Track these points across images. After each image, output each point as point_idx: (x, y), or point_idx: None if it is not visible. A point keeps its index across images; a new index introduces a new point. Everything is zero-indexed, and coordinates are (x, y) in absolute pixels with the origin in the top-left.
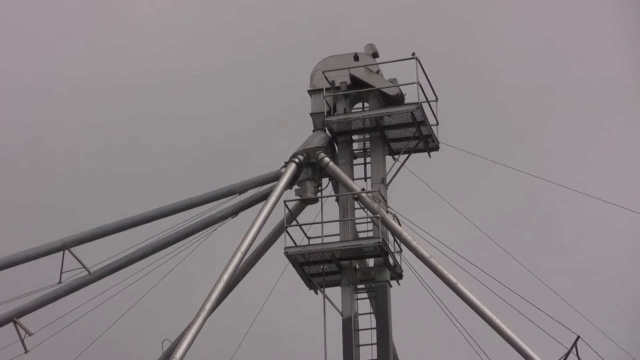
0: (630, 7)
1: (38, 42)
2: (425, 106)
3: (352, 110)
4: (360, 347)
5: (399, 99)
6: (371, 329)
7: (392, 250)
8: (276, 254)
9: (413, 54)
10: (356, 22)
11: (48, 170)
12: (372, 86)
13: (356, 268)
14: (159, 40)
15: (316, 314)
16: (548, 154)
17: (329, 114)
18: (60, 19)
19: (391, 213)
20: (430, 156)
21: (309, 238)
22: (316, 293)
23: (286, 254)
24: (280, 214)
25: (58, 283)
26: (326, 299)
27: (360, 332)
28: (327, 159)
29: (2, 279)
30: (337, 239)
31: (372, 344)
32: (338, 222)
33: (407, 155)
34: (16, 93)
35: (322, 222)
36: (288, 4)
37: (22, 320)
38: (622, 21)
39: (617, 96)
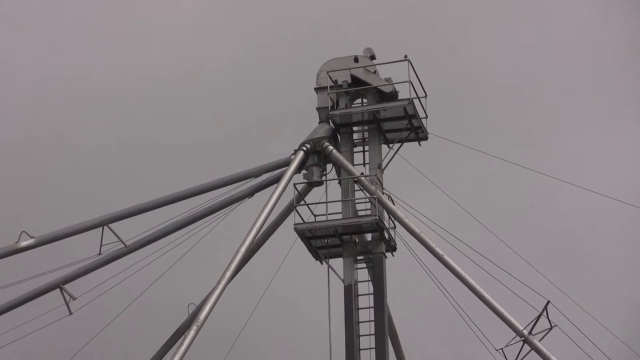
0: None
1: (72, 37)
2: (415, 102)
3: (353, 105)
4: (360, 310)
5: (393, 96)
6: (369, 294)
7: (387, 226)
8: (287, 230)
9: (405, 56)
10: (355, 28)
11: (86, 155)
12: (370, 84)
13: (356, 242)
14: (180, 38)
15: (321, 282)
16: (520, 144)
17: (332, 108)
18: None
19: (386, 194)
20: (420, 145)
21: (315, 216)
22: (321, 263)
23: (295, 229)
24: (290, 195)
25: (98, 254)
26: (330, 269)
27: (359, 297)
28: (330, 147)
29: (51, 251)
30: (340, 216)
31: (369, 307)
32: (340, 202)
33: (400, 144)
34: (52, 78)
35: (326, 202)
36: (294, 14)
37: (67, 286)
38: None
39: (580, 90)
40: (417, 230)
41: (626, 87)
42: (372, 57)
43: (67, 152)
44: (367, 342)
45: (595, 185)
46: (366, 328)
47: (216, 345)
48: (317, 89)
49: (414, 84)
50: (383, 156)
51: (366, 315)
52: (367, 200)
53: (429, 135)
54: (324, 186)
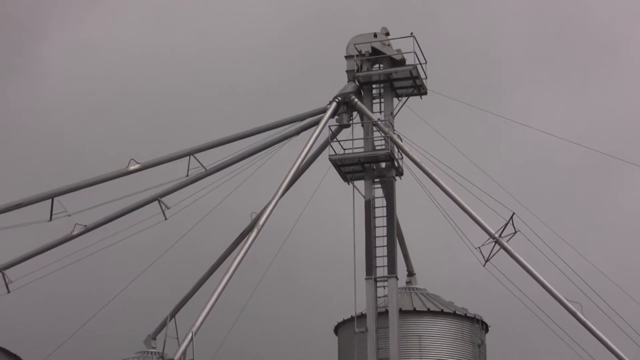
0: None
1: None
2: (418, 67)
3: (372, 69)
4: (376, 218)
5: (402, 62)
6: (382, 207)
7: (396, 157)
8: (323, 160)
9: (411, 33)
10: (371, 10)
11: (176, 100)
12: (385, 54)
13: (374, 168)
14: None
15: (347, 198)
16: (494, 97)
17: (357, 71)
18: None
19: (396, 134)
20: (421, 98)
21: (344, 149)
22: (348, 184)
23: (330, 159)
24: (326, 134)
25: (186, 176)
26: (354, 188)
27: (375, 209)
28: (356, 100)
29: (151, 173)
30: (362, 150)
31: (383, 217)
32: (362, 139)
33: (406, 97)
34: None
35: (352, 139)
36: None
37: (163, 199)
38: None
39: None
40: (418, 160)
41: (571, 51)
42: (387, 34)
43: (159, 103)
44: (381, 241)
45: (549, 128)
46: (380, 231)
47: (271, 244)
48: (346, 57)
49: (417, 53)
50: (394, 106)
51: (380, 222)
52: (382, 138)
53: (428, 92)
54: (350, 128)
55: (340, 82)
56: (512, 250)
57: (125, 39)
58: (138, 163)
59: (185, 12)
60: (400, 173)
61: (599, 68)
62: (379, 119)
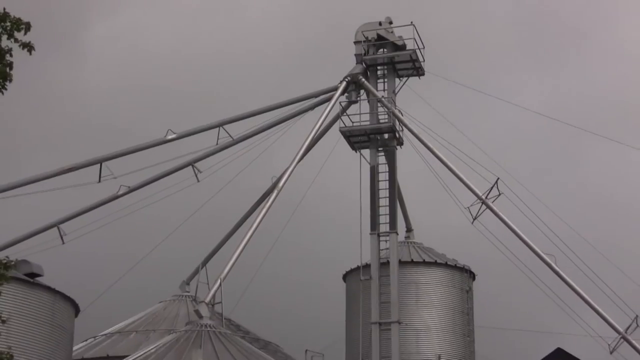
0: None
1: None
2: (417, 51)
3: (377, 53)
4: (379, 182)
5: (403, 47)
6: (385, 172)
7: (398, 129)
8: (333, 133)
9: (411, 22)
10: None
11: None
12: (388, 40)
13: (378, 139)
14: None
15: (355, 165)
16: (483, 79)
17: (364, 54)
18: None
19: (398, 109)
20: (419, 78)
21: (352, 122)
22: (355, 152)
23: (340, 130)
24: (336, 109)
25: (216, 144)
26: (361, 156)
27: (379, 174)
28: (363, 79)
29: (186, 142)
30: (368, 123)
31: (385, 180)
32: (369, 114)
33: (407, 77)
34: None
35: (360, 113)
36: None
37: (196, 164)
38: None
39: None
40: (416, 131)
41: (547, 38)
42: (390, 22)
43: (192, 82)
44: (384, 202)
45: (530, 104)
46: (383, 193)
47: (289, 205)
48: (355, 42)
49: (416, 40)
50: (396, 85)
51: (383, 185)
52: (385, 112)
53: (425, 73)
54: (358, 104)
55: (349, 65)
56: (497, 210)
57: (160, 24)
58: (174, 133)
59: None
60: (400, 143)
61: (572, 52)
62: (383, 96)
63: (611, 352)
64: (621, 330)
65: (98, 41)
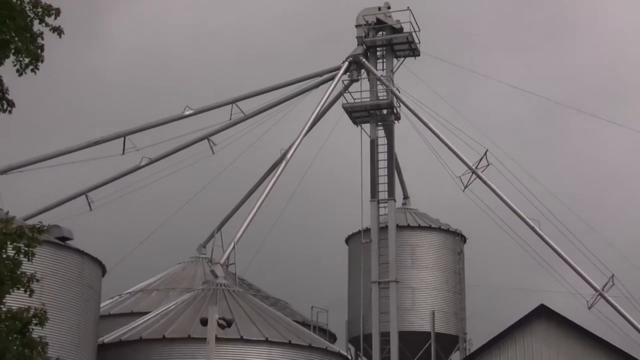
0: None
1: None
2: (413, 34)
3: (377, 36)
4: (379, 154)
5: (400, 30)
6: (384, 144)
7: (395, 105)
8: (337, 108)
9: (408, 7)
10: None
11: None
12: (387, 23)
13: (377, 114)
14: None
15: (356, 139)
16: (474, 59)
17: (365, 37)
18: None
19: (395, 87)
20: (415, 59)
21: (354, 99)
22: (357, 126)
23: (343, 106)
24: (339, 87)
25: (229, 120)
26: (362, 130)
27: (379, 146)
28: (364, 60)
29: (202, 117)
30: (368, 99)
31: (384, 152)
32: (369, 91)
33: (404, 58)
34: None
35: (360, 91)
36: None
37: (211, 138)
38: None
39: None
40: (412, 107)
41: (532, 21)
42: (389, 7)
43: (208, 64)
44: (382, 172)
45: (516, 82)
46: (382, 164)
47: (295, 175)
48: (356, 26)
49: (412, 23)
50: (394, 65)
51: (382, 156)
52: (384, 90)
53: (421, 54)
54: (359, 82)
55: (350, 46)
56: (485, 179)
57: (178, 10)
58: (192, 109)
59: None
60: (398, 118)
61: (556, 34)
62: (382, 75)
63: (589, 308)
64: (599, 288)
65: (122, 24)
